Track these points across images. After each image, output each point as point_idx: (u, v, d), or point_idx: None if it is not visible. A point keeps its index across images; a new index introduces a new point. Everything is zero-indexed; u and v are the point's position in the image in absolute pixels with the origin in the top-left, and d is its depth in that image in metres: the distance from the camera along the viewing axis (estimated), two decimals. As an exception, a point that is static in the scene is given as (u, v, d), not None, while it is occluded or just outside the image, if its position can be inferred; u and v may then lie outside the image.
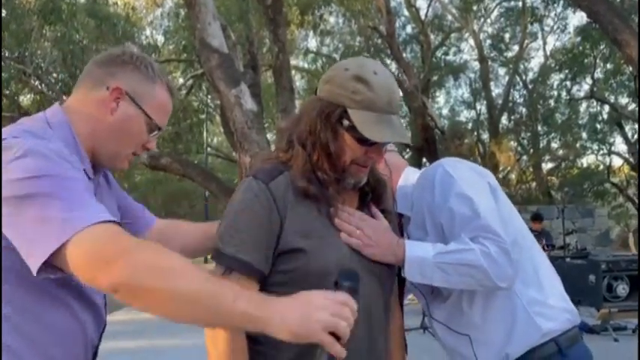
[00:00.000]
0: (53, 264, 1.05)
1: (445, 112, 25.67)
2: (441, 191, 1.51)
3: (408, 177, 1.69)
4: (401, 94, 17.14)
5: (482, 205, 1.46)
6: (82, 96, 1.31)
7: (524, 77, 22.93)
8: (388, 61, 18.99)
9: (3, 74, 12.98)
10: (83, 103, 1.30)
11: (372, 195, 1.48)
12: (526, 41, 21.95)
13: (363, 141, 1.33)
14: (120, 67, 1.31)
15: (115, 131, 1.30)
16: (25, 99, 14.99)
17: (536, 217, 9.95)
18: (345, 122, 1.33)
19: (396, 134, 1.33)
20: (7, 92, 13.57)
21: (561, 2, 17.85)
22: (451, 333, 1.58)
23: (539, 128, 22.40)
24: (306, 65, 22.12)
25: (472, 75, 23.65)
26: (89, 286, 1.22)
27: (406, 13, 20.96)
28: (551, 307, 1.54)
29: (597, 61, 18.22)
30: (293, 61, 16.95)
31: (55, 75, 14.21)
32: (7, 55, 13.07)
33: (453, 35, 22.48)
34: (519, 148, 23.88)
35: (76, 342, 1.26)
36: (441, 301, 1.58)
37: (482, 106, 24.09)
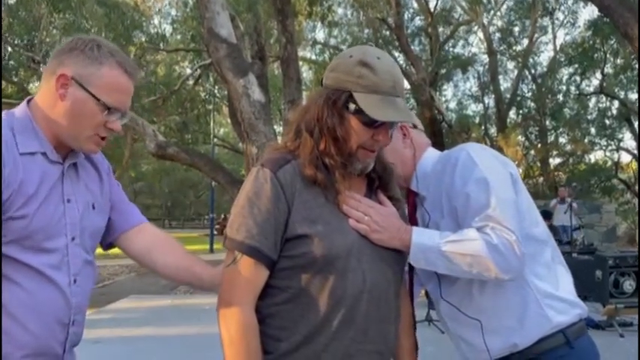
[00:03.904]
0: None
1: (453, 105, 25.61)
2: (461, 175, 1.51)
3: (428, 157, 1.69)
4: (408, 86, 17.17)
5: (500, 194, 1.45)
6: (42, 88, 1.43)
7: (533, 71, 22.79)
8: (396, 54, 18.91)
9: (12, 62, 13.03)
10: (41, 94, 1.42)
11: (380, 182, 1.49)
12: (536, 35, 21.80)
13: (369, 123, 1.35)
14: (67, 54, 1.40)
15: (67, 115, 1.38)
16: (34, 86, 15.04)
17: (545, 215, 10.01)
18: (351, 106, 1.35)
19: (401, 114, 1.36)
20: (16, 79, 13.61)
21: (572, -5, 17.69)
22: (461, 318, 1.57)
23: (548, 123, 22.28)
24: (313, 56, 22.07)
25: (480, 68, 23.56)
26: (48, 266, 1.34)
27: (415, 5, 20.85)
28: (563, 301, 1.54)
29: (607, 55, 18.06)
30: (300, 52, 16.91)
31: (63, 63, 14.21)
32: (16, 42, 13.11)
33: (461, 28, 22.34)
34: (527, 143, 23.78)
35: (33, 320, 1.34)
36: (451, 284, 1.58)
37: (490, 100, 24.00)
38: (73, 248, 1.41)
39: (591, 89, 21.27)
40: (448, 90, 25.60)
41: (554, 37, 23.65)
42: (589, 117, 21.78)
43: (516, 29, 21.91)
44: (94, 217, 1.49)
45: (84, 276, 1.44)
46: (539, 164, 23.17)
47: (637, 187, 19.86)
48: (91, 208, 1.48)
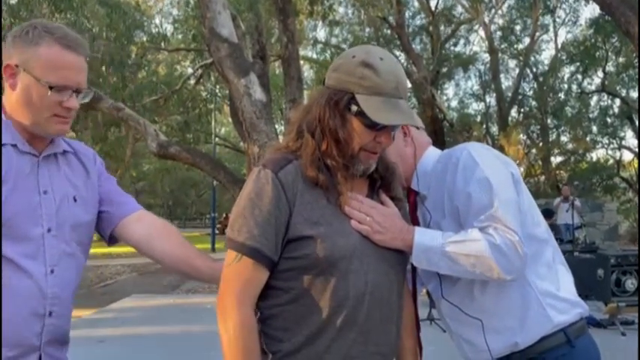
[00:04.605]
0: None
1: (454, 104, 25.65)
2: (463, 175, 1.51)
3: (429, 156, 1.68)
4: (409, 85, 17.19)
5: (502, 194, 1.45)
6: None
7: (534, 70, 22.77)
8: (398, 53, 18.89)
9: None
10: (5, 91, 1.45)
11: (382, 182, 1.49)
12: (537, 33, 21.78)
13: (371, 126, 1.34)
14: (11, 44, 1.42)
15: (21, 103, 1.41)
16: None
17: (547, 214, 10.00)
18: (354, 108, 1.34)
19: (404, 117, 1.35)
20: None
21: (574, -6, 17.67)
22: (462, 318, 1.57)
23: (549, 121, 22.27)
24: (314, 55, 22.08)
25: (482, 67, 23.54)
26: (22, 255, 1.35)
27: (416, 3, 20.84)
28: (564, 301, 1.54)
29: (609, 54, 18.05)
30: (301, 52, 16.91)
31: (64, 63, 14.23)
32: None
33: (463, 26, 22.33)
34: (528, 142, 23.75)
35: (5, 308, 1.33)
36: (452, 284, 1.59)
37: (491, 99, 24.00)
38: (50, 239, 1.40)
39: (593, 87, 21.28)
40: (449, 89, 25.68)
41: (556, 36, 23.61)
42: (591, 115, 21.76)
43: (518, 27, 21.93)
44: (75, 209, 1.48)
45: (63, 268, 1.43)
46: (540, 163, 23.14)
47: (638, 186, 19.84)
48: (71, 200, 1.47)
